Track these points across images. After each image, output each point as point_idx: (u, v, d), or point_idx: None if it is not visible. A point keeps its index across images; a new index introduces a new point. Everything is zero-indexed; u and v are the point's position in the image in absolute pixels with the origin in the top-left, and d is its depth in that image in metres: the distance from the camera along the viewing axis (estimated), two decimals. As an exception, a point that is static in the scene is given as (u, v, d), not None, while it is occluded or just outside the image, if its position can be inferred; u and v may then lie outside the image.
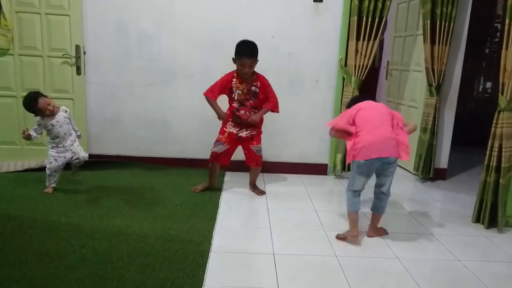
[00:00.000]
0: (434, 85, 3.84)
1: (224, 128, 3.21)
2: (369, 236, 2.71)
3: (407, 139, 2.55)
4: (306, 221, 2.92)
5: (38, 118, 3.04)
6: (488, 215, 2.94)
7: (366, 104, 2.64)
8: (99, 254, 2.27)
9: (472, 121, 5.44)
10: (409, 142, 2.55)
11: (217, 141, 3.24)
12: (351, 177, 2.66)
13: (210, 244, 2.47)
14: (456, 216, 3.19)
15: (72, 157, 3.18)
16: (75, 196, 3.12)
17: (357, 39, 3.68)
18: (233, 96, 3.14)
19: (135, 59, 3.84)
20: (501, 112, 2.82)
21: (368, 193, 2.83)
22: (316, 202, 3.32)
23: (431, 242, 2.71)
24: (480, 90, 5.92)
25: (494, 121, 2.86)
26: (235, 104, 3.16)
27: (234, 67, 3.10)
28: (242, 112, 3.14)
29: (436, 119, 3.90)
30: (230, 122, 3.19)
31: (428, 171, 4.01)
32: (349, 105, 2.77)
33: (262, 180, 3.78)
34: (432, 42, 3.74)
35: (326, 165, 4.09)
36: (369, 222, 2.77)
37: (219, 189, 3.43)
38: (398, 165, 4.58)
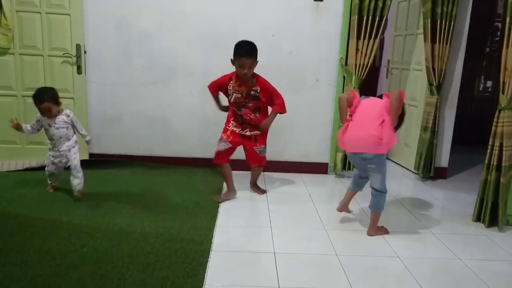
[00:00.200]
0: (434, 84, 3.84)
1: (227, 127, 3.16)
2: (369, 235, 2.71)
3: (388, 135, 2.54)
4: (306, 220, 2.92)
5: (39, 114, 2.98)
6: (489, 214, 2.94)
7: (367, 101, 2.76)
8: (100, 253, 2.27)
9: (472, 120, 5.43)
10: (391, 138, 2.55)
11: (220, 139, 3.15)
12: None
13: (211, 243, 2.47)
14: (456, 215, 3.19)
15: (67, 164, 3.06)
16: (81, 190, 3.12)
17: (358, 38, 3.67)
18: (230, 98, 3.07)
19: (135, 58, 3.84)
20: (502, 111, 2.82)
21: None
22: (316, 201, 3.32)
23: (431, 241, 2.72)
24: (481, 89, 5.92)
25: (495, 120, 2.86)
26: (233, 104, 3.10)
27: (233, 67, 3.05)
28: (243, 110, 3.08)
29: (437, 118, 3.90)
30: (232, 121, 3.15)
31: (429, 170, 4.01)
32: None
33: (263, 179, 3.78)
34: (433, 41, 3.74)
35: (327, 164, 4.09)
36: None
37: (220, 188, 3.43)
38: (398, 164, 4.59)
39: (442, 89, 3.93)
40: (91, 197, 3.11)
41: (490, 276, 2.28)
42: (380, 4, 3.58)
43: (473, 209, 3.08)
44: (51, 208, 2.85)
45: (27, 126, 3.00)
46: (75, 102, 3.79)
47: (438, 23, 3.69)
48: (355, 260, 2.39)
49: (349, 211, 3.09)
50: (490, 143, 2.90)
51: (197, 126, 3.97)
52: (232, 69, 3.04)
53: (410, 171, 4.32)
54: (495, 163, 2.88)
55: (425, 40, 3.78)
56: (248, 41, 2.96)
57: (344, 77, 3.85)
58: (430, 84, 3.87)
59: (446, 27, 3.71)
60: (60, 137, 2.99)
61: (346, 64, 3.82)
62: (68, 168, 3.18)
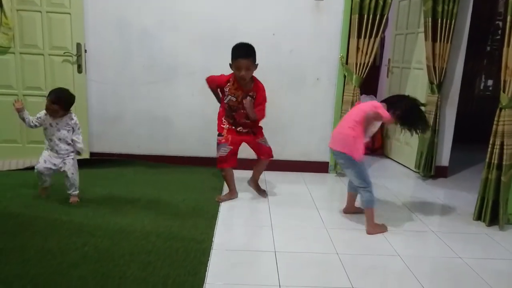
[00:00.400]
0: (435, 83, 3.83)
1: (222, 125, 3.05)
2: (368, 233, 2.72)
3: (353, 136, 2.61)
4: (307, 219, 2.92)
5: (42, 112, 2.87)
6: (490, 213, 2.94)
7: (361, 103, 2.82)
8: (101, 251, 2.27)
9: (473, 119, 5.43)
10: (358, 143, 2.62)
11: (219, 144, 3.04)
12: None
13: (212, 242, 2.47)
14: (457, 214, 3.19)
15: (63, 169, 2.91)
16: (78, 194, 3.12)
17: (358, 36, 3.67)
18: (225, 98, 2.97)
19: (136, 57, 3.84)
20: (503, 110, 2.82)
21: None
22: (317, 200, 3.32)
23: (432, 240, 2.72)
24: (482, 87, 5.91)
25: (496, 118, 2.86)
26: (226, 106, 3.00)
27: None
28: (233, 113, 3.00)
29: (438, 117, 3.90)
30: (224, 120, 3.05)
31: (430, 169, 4.01)
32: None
33: (263, 178, 3.78)
34: (434, 40, 3.74)
35: (327, 163, 4.09)
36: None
37: (220, 187, 3.43)
38: (399, 163, 4.59)
39: (443, 88, 3.93)
40: (92, 196, 3.11)
41: (490, 274, 2.28)
42: (381, 3, 3.57)
43: (473, 208, 3.08)
44: (52, 207, 2.85)
45: (27, 115, 2.86)
46: (75, 101, 3.78)
47: (439, 21, 3.68)
48: (355, 258, 2.39)
49: (356, 212, 3.03)
50: (491, 141, 2.90)
51: (198, 125, 3.97)
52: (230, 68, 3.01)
53: (411, 170, 4.32)
54: (496, 161, 2.88)
55: (426, 39, 3.77)
56: (245, 43, 2.89)
57: (344, 76, 3.85)
58: (431, 83, 3.86)
59: (447, 25, 3.70)
60: (60, 139, 2.89)
61: (346, 63, 3.81)
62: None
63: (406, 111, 2.63)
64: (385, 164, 4.67)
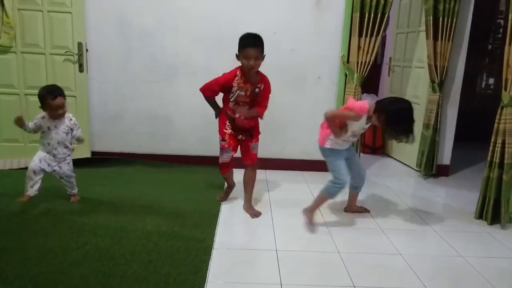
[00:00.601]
0: (436, 81, 3.83)
1: (224, 130, 2.89)
2: (302, 213, 2.81)
3: (323, 127, 2.75)
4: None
5: (39, 116, 2.81)
6: (491, 211, 2.93)
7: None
8: (102, 250, 2.28)
9: (475, 117, 5.43)
10: (326, 133, 2.73)
11: (223, 148, 2.91)
12: None
13: (213, 241, 2.48)
14: (458, 213, 3.19)
15: (58, 172, 2.87)
16: (78, 193, 3.12)
17: (359, 35, 3.67)
18: (232, 96, 2.80)
19: (137, 56, 3.85)
20: (504, 108, 2.81)
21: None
22: (318, 198, 3.32)
23: (433, 238, 2.71)
24: (483, 86, 5.90)
25: (497, 117, 2.86)
26: (231, 105, 2.83)
27: (236, 64, 2.88)
28: (237, 116, 2.84)
29: (439, 116, 3.90)
30: (227, 125, 2.90)
31: (431, 168, 4.01)
32: None
33: (265, 177, 3.79)
34: (435, 38, 3.73)
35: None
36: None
37: (221, 186, 3.43)
38: (400, 162, 4.59)
39: (444, 87, 3.92)
40: (93, 195, 3.12)
41: (492, 273, 2.28)
42: (382, 1, 3.56)
43: (475, 207, 3.08)
44: (53, 206, 2.85)
45: (28, 124, 2.82)
46: (77, 100, 3.80)
47: (440, 20, 3.68)
48: (356, 257, 2.39)
49: (357, 211, 3.05)
50: (492, 140, 2.89)
51: (199, 124, 3.97)
52: (232, 66, 2.90)
53: (412, 168, 4.32)
54: (497, 160, 2.87)
55: (427, 37, 3.77)
56: (253, 33, 2.78)
57: (345, 75, 3.85)
58: (432, 81, 3.86)
59: (448, 24, 3.69)
60: (58, 142, 2.82)
61: (347, 61, 3.81)
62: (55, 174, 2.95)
63: (391, 116, 2.49)
64: (386, 163, 4.66)
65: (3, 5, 3.51)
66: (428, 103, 3.94)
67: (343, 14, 3.77)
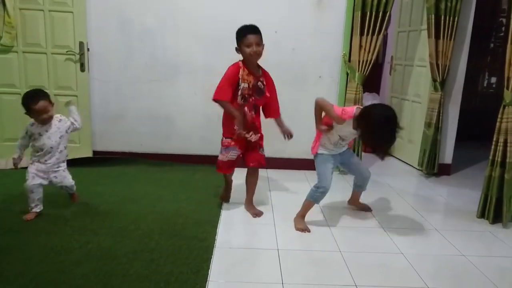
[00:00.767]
0: (438, 80, 3.82)
1: (234, 130, 2.71)
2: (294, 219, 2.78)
3: (316, 140, 2.80)
4: (310, 217, 2.90)
5: (28, 125, 2.64)
6: (493, 210, 2.93)
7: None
8: (103, 249, 2.28)
9: (476, 116, 5.41)
10: (316, 138, 2.80)
11: (227, 146, 2.81)
12: None
13: (214, 240, 2.48)
14: (460, 212, 3.18)
15: (56, 183, 2.72)
16: (80, 192, 3.12)
17: (361, 34, 3.66)
18: (239, 90, 2.69)
19: (138, 56, 3.85)
20: (506, 107, 2.81)
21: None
22: (320, 197, 3.32)
23: (435, 237, 2.71)
24: (485, 85, 5.89)
25: (499, 116, 2.85)
26: (238, 100, 2.72)
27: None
28: (246, 109, 2.75)
29: (441, 114, 3.89)
30: (237, 125, 2.72)
31: (433, 167, 4.00)
32: None
33: (266, 176, 3.78)
34: (437, 37, 3.72)
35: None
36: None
37: (222, 185, 3.43)
38: (402, 161, 4.59)
39: (446, 85, 3.92)
40: (94, 194, 3.12)
41: (494, 272, 2.28)
42: (384, 0, 3.56)
43: (477, 206, 3.07)
44: (55, 205, 2.86)
45: (19, 153, 2.63)
46: (78, 100, 3.80)
47: (442, 18, 3.67)
48: (358, 256, 2.39)
49: (362, 209, 3.07)
50: (494, 139, 2.89)
51: (200, 123, 3.97)
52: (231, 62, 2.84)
53: (414, 167, 4.31)
54: (499, 159, 2.86)
55: (429, 36, 3.76)
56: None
57: (347, 74, 3.84)
58: (434, 80, 3.85)
59: (450, 22, 3.69)
60: (51, 147, 2.63)
61: (349, 60, 3.80)
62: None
63: (369, 121, 2.34)
64: (388, 162, 4.66)
65: (4, 5, 3.51)
66: (430, 102, 3.93)
67: (344, 13, 3.76)
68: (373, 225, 2.85)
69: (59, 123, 2.68)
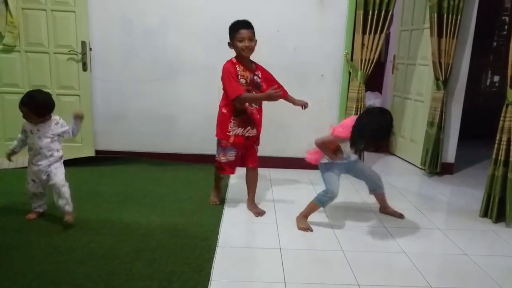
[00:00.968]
0: (441, 79, 3.81)
1: (227, 133, 2.78)
2: (296, 219, 2.76)
3: (315, 153, 2.77)
4: (312, 216, 2.90)
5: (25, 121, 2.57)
6: (496, 209, 2.92)
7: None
8: (106, 248, 2.28)
9: (479, 115, 5.39)
10: (318, 155, 2.76)
11: (224, 147, 2.82)
12: None
13: (217, 239, 2.48)
14: (463, 211, 3.17)
15: (48, 181, 2.54)
16: (82, 191, 3.13)
17: (363, 33, 3.65)
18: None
19: (139, 55, 3.85)
20: (509, 106, 2.80)
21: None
22: (322, 197, 3.31)
23: (438, 237, 2.70)
24: (488, 83, 5.87)
25: (502, 114, 2.84)
26: None
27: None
28: (246, 104, 2.77)
29: (443, 113, 3.87)
30: (233, 122, 2.77)
31: (435, 166, 3.99)
32: None
33: (268, 176, 3.78)
34: (439, 36, 3.71)
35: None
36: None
37: (225, 185, 3.43)
38: (404, 160, 4.58)
39: (448, 84, 3.90)
40: (97, 193, 3.12)
41: (497, 272, 2.27)
42: (386, -1, 3.56)
43: (480, 205, 3.06)
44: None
45: (15, 145, 2.60)
46: (80, 99, 3.81)
47: (445, 17, 3.65)
48: (361, 256, 2.38)
49: (393, 214, 2.99)
50: (497, 138, 2.88)
51: (201, 122, 3.97)
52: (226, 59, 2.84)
53: (417, 166, 4.30)
54: (502, 158, 2.85)
55: (431, 35, 3.75)
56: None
57: (349, 73, 3.84)
58: (437, 79, 3.84)
59: (453, 21, 3.67)
60: (41, 148, 2.50)
61: (351, 59, 3.80)
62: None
63: (362, 115, 2.53)
64: (390, 161, 4.65)
65: (7, 5, 3.52)
66: (433, 101, 3.92)
67: (346, 12, 3.75)
68: (376, 224, 2.84)
69: (55, 125, 2.54)
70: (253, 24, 3.75)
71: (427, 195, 3.55)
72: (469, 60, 3.98)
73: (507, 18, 5.51)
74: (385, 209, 3.01)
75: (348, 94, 3.85)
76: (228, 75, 2.68)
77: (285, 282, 2.06)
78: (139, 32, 3.80)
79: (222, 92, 2.83)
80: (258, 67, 2.85)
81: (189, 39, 3.83)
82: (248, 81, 2.73)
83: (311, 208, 2.75)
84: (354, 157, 2.74)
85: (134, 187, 3.32)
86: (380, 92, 5.46)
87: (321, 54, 3.86)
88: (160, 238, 2.44)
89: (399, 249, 2.47)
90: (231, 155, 2.84)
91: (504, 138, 2.83)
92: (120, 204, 2.95)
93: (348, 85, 3.85)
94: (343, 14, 3.77)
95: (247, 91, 2.71)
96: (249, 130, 2.80)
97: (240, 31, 2.66)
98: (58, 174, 2.53)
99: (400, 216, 2.96)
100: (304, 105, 3.05)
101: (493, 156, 2.91)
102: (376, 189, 2.94)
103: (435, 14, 3.66)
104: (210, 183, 3.45)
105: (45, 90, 3.64)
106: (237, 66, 2.71)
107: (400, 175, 4.11)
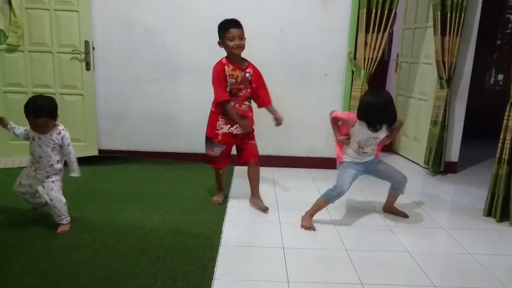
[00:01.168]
0: (444, 77, 3.79)
1: (216, 131, 2.85)
2: (301, 217, 2.78)
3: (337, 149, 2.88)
4: (316, 215, 2.90)
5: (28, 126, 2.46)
6: (500, 208, 2.91)
7: None
8: (109, 247, 2.29)
9: (483, 114, 5.37)
10: (338, 151, 2.87)
11: (212, 143, 2.88)
12: None
13: (220, 238, 2.48)
14: (467, 210, 3.16)
15: (38, 191, 2.44)
16: (85, 190, 3.15)
17: (366, 31, 3.65)
18: (226, 85, 2.77)
19: (141, 54, 3.85)
20: (514, 104, 2.78)
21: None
22: (325, 196, 3.31)
23: (441, 236, 2.70)
24: (492, 82, 5.84)
25: (506, 113, 2.83)
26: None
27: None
28: (232, 103, 2.80)
29: (447, 112, 3.86)
30: (220, 120, 2.83)
31: (439, 165, 3.98)
32: None
33: (271, 174, 3.78)
34: (443, 34, 3.69)
35: (335, 159, 4.06)
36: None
37: (228, 183, 3.43)
38: (408, 159, 4.57)
39: (452, 83, 3.89)
40: (100, 193, 3.13)
41: (501, 271, 2.26)
42: (389, -3, 3.55)
43: (483, 204, 3.06)
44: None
45: (15, 128, 2.49)
46: (84, 99, 3.82)
47: (448, 15, 3.64)
48: (364, 255, 2.38)
49: (397, 213, 2.99)
50: (501, 137, 2.87)
51: (202, 122, 3.94)
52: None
53: (420, 165, 4.29)
54: (506, 157, 2.84)
55: (435, 33, 3.73)
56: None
57: (352, 72, 3.83)
58: (440, 77, 3.82)
59: (457, 19, 3.66)
60: (40, 157, 2.39)
61: (354, 58, 3.79)
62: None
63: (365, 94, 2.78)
64: (394, 159, 4.63)
65: (10, 5, 3.53)
66: (436, 100, 3.91)
67: (350, 10, 3.75)
68: (379, 223, 2.84)
69: (57, 135, 2.41)
70: (255, 23, 3.76)
71: (430, 194, 3.54)
72: (472, 58, 3.96)
73: (511, 16, 5.48)
74: (389, 209, 3.00)
75: (351, 93, 3.84)
76: (215, 77, 2.77)
77: (288, 282, 2.06)
78: (140, 32, 3.81)
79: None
80: (249, 64, 2.88)
81: (190, 39, 3.83)
82: (239, 80, 2.78)
83: (318, 205, 2.75)
84: (372, 157, 2.76)
85: (136, 186, 3.33)
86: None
87: (324, 53, 3.86)
88: (163, 237, 2.44)
89: (402, 248, 2.47)
90: (217, 151, 2.90)
91: (508, 137, 2.82)
92: (122, 203, 2.96)
93: (351, 84, 3.85)
94: (346, 12, 3.76)
95: (238, 89, 2.79)
96: (237, 127, 2.84)
97: (230, 30, 2.71)
98: (52, 188, 2.42)
99: (404, 215, 2.95)
100: (278, 121, 2.96)
101: (497, 155, 2.90)
102: (398, 189, 2.91)
103: (439, 12, 3.65)
104: (212, 182, 3.46)
105: (48, 89, 3.74)
106: (226, 66, 2.77)
107: (404, 174, 4.09)
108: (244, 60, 2.86)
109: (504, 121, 2.84)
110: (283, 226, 2.72)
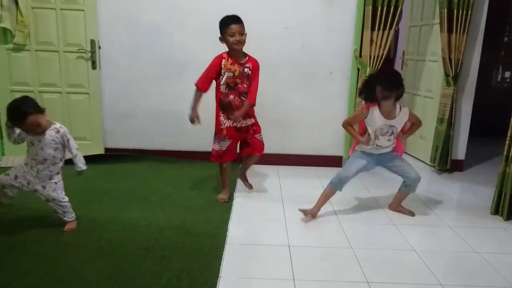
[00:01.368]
0: (451, 75, 3.77)
1: (220, 126, 2.95)
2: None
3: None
4: (321, 213, 2.90)
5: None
6: (507, 207, 2.88)
7: None
8: (115, 246, 2.30)
9: (490, 111, 5.33)
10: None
11: (218, 137, 2.97)
12: None
13: (225, 236, 2.48)
14: (474, 208, 3.14)
15: (37, 190, 2.40)
16: (91, 189, 3.16)
17: (372, 29, 3.63)
18: (221, 78, 2.86)
19: (147, 53, 3.86)
20: (521, 102, 2.76)
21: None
22: (331, 194, 3.31)
23: (448, 234, 2.68)
24: (499, 79, 5.80)
25: (514, 111, 2.80)
26: (222, 88, 2.89)
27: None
28: (231, 97, 2.89)
29: (453, 110, 3.84)
30: (222, 116, 2.95)
31: (445, 163, 3.96)
32: None
33: (277, 172, 3.78)
34: (449, 31, 3.67)
35: (341, 157, 4.06)
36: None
37: (233, 182, 3.43)
38: (414, 157, 4.55)
39: (458, 80, 3.86)
40: (106, 191, 3.15)
41: (508, 269, 2.24)
42: (395, -6, 3.52)
43: (490, 202, 3.04)
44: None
45: (13, 132, 2.36)
46: (90, 98, 3.83)
47: (455, 12, 3.61)
48: (370, 253, 2.37)
49: (403, 212, 2.98)
50: (508, 134, 2.84)
51: (209, 120, 3.96)
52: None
53: (426, 163, 4.27)
54: (513, 155, 2.82)
55: (441, 30, 3.71)
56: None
57: (358, 69, 3.81)
58: (447, 75, 3.80)
59: (463, 16, 3.63)
60: (45, 159, 2.35)
61: (360, 55, 3.77)
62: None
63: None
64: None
65: (17, 4, 3.55)
66: (442, 97, 3.89)
67: (355, 8, 3.73)
68: (385, 221, 2.83)
69: (56, 134, 2.34)
70: (260, 22, 3.76)
71: (437, 192, 3.52)
72: (479, 55, 3.93)
73: (518, 13, 5.44)
74: (396, 207, 2.99)
75: (356, 90, 3.83)
76: (207, 68, 2.89)
77: (294, 279, 2.06)
78: (146, 31, 3.81)
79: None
80: (250, 59, 2.92)
81: (196, 37, 3.82)
82: (237, 74, 2.86)
83: (325, 195, 2.81)
84: (388, 149, 2.76)
85: (142, 185, 3.34)
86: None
87: (329, 51, 3.84)
88: (169, 235, 2.45)
89: (408, 247, 2.46)
90: (223, 145, 2.96)
91: (516, 135, 2.80)
92: (128, 202, 2.97)
93: (357, 82, 3.83)
94: (351, 10, 3.74)
95: (234, 83, 2.87)
96: (241, 122, 2.93)
97: (231, 26, 2.78)
98: (54, 188, 2.40)
99: (411, 213, 2.94)
100: (236, 117, 2.90)
101: (504, 153, 2.88)
102: (410, 187, 2.88)
103: (445, 10, 3.62)
104: (218, 181, 3.47)
105: (55, 88, 3.77)
106: (223, 60, 2.85)
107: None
108: (245, 55, 2.91)
109: (511, 119, 2.82)
110: (289, 224, 2.72)
